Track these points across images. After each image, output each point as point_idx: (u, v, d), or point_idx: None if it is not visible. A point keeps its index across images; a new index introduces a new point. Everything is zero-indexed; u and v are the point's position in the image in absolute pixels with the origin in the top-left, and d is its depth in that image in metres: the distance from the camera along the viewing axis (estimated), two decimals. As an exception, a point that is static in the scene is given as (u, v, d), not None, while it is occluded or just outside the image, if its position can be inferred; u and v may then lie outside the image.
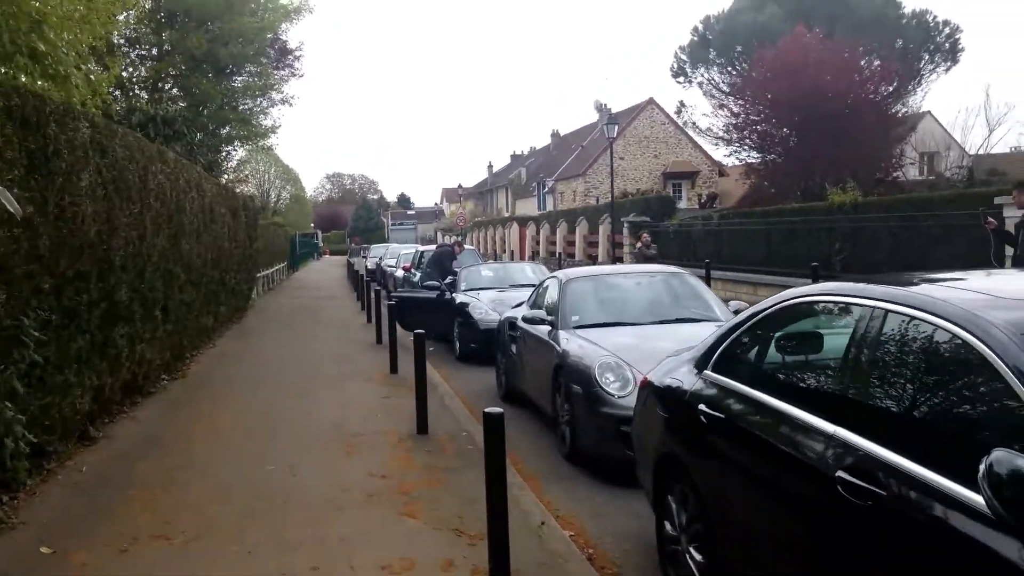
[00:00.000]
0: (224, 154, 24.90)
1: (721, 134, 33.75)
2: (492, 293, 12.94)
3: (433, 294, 13.61)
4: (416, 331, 7.82)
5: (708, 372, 3.98)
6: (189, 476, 6.18)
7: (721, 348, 3.99)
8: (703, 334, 4.55)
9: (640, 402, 4.71)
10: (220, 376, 10.59)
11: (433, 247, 21.10)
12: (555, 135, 68.21)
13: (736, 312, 4.91)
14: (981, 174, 20.30)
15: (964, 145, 25.15)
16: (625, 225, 25.62)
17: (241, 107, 23.73)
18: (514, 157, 79.38)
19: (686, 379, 4.13)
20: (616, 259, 25.58)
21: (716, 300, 7.86)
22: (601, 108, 58.83)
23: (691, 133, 40.43)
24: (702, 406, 3.80)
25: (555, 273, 8.86)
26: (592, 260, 29.29)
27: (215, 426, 7.82)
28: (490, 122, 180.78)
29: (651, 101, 51.75)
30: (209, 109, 22.89)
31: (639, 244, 15.32)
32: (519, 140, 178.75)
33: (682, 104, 34.33)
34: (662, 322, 7.34)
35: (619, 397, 6.08)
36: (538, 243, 37.42)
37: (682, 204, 42.93)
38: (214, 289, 12.75)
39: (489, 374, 10.93)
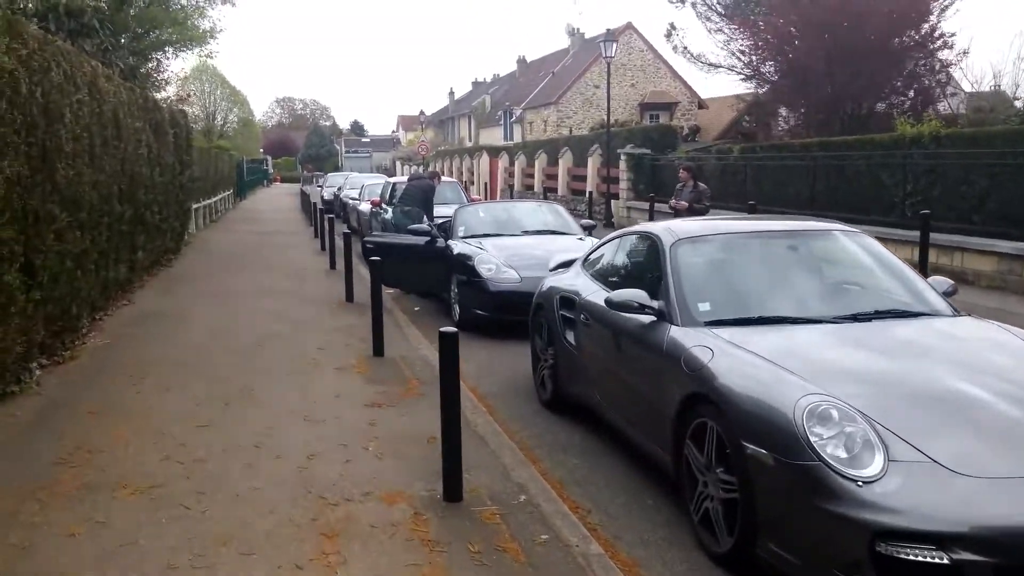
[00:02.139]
0: (154, 63, 21.00)
1: (717, 60, 30.54)
2: (502, 241, 9.85)
3: (421, 240, 10.46)
4: (396, 287, 5.35)
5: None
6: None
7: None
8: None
9: None
10: (126, 359, 7.39)
11: (404, 179, 17.80)
12: (521, 61, 64.37)
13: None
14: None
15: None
16: (623, 157, 22.49)
17: (173, 6, 19.80)
18: (476, 84, 75.37)
19: None
20: (611, 195, 22.52)
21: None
22: (573, 32, 55.18)
23: (682, 60, 36.96)
24: None
25: (641, 229, 5.77)
26: (579, 196, 26.19)
27: (91, 478, 4.71)
28: (451, 47, 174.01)
29: (629, 26, 48.20)
30: (135, 7, 18.95)
31: (680, 186, 12.03)
32: (482, 66, 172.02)
33: (672, 27, 30.54)
34: (859, 318, 4.36)
35: (864, 481, 3.14)
36: (512, 175, 34.11)
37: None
38: (125, 230, 9.43)
39: (508, 353, 7.94)
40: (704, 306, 4.53)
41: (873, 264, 4.96)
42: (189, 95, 49.28)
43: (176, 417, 5.65)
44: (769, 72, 25.09)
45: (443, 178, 13.74)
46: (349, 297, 10.71)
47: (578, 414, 5.93)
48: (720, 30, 31.56)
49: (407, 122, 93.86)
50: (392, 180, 18.13)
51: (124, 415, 5.69)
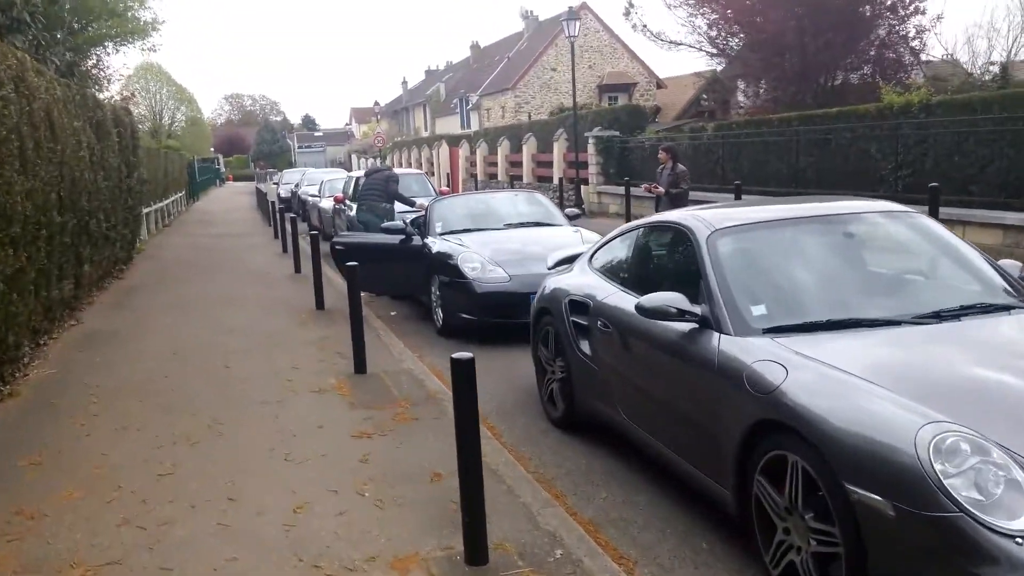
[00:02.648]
0: (94, 60, 19.80)
1: (679, 37, 29.95)
2: (484, 237, 9.09)
3: (395, 239, 9.66)
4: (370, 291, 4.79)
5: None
6: None
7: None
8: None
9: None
10: (75, 392, 6.53)
11: (359, 173, 16.95)
12: (475, 47, 63.39)
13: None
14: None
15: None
16: (591, 140, 21.79)
17: (112, -3, 18.59)
18: (429, 73, 74.38)
19: None
20: (581, 181, 21.82)
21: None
22: (527, 16, 54.35)
23: (642, 38, 36.34)
24: None
25: (663, 219, 5.05)
26: (544, 182, 25.47)
27: (33, 555, 3.89)
28: (401, 36, 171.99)
29: (584, 6, 47.38)
30: None
31: (661, 168, 11.41)
32: (435, 54, 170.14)
33: (630, 4, 29.89)
34: (941, 317, 3.71)
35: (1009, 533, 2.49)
36: (474, 165, 33.28)
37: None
38: (68, 242, 8.50)
39: (503, 362, 7.22)
40: (758, 309, 3.84)
41: (940, 249, 4.32)
42: (134, 94, 47.60)
43: (135, 464, 4.84)
44: (734, 47, 24.50)
45: (409, 170, 12.85)
46: (319, 304, 9.89)
47: (595, 432, 5.24)
48: (680, 5, 31.07)
49: (360, 114, 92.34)
50: (354, 175, 17.23)
51: (73, 466, 4.86)
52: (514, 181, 28.40)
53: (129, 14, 19.25)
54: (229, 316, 9.54)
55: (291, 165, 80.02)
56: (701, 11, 27.15)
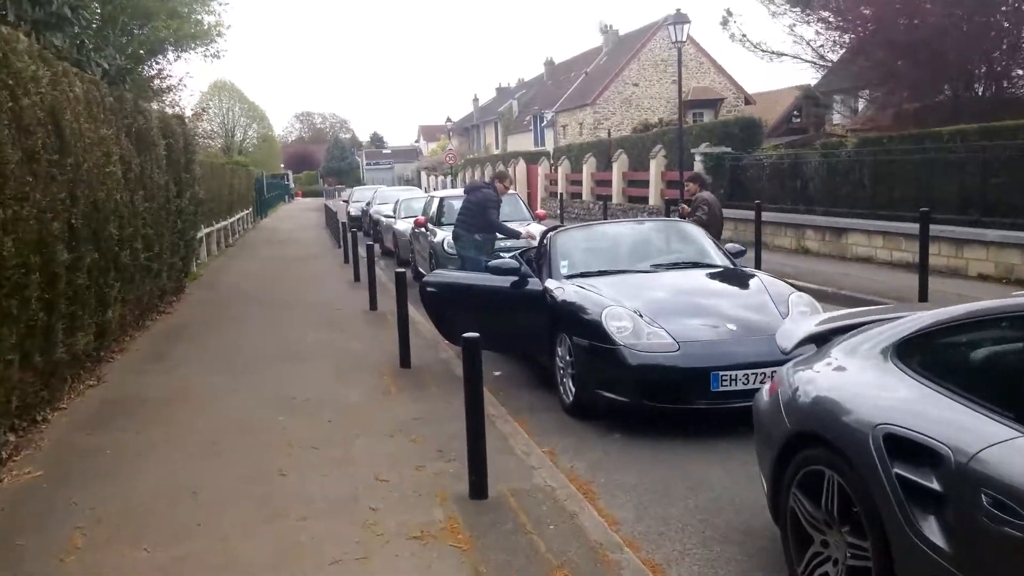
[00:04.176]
0: (156, 69, 18.14)
1: (782, 49, 27.35)
2: (628, 282, 6.73)
3: (505, 281, 7.38)
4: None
5: None
6: None
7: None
8: None
9: None
10: (55, 515, 4.38)
11: (454, 192, 14.81)
12: (549, 63, 61.53)
13: None
14: None
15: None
16: (698, 157, 19.32)
17: (171, -2, 16.87)
18: (501, 90, 72.71)
19: None
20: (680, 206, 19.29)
21: None
22: (607, 30, 52.13)
23: (738, 50, 33.62)
24: None
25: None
26: (636, 203, 23.03)
27: None
28: (469, 55, 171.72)
29: (668, 19, 44.97)
30: (123, -1, 16.06)
31: (687, 203, 10.76)
32: (506, 72, 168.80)
33: (728, 13, 27.39)
34: None
35: None
36: (554, 182, 30.99)
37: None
38: (82, 283, 6.44)
39: (671, 464, 4.82)
40: None
41: None
42: (205, 109, 46.83)
43: None
44: (846, 56, 21.76)
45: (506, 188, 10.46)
46: (405, 360, 7.69)
47: None
48: (785, 13, 28.45)
49: (428, 132, 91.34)
50: (438, 194, 15.10)
51: None
52: (599, 201, 26.05)
53: (192, 17, 17.59)
54: (290, 378, 7.38)
55: (359, 182, 79.32)
56: (812, 16, 24.58)
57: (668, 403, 5.72)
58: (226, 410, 6.37)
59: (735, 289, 6.60)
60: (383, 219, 20.03)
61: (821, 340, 3.91)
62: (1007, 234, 11.25)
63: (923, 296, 9.27)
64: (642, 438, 5.72)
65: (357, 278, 14.15)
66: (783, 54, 28.23)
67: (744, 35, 30.55)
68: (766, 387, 3.96)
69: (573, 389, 6.33)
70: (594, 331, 6.03)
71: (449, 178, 52.56)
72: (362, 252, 15.50)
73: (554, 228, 8.37)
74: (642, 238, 7.84)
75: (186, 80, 30.06)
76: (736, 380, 5.58)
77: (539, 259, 8.11)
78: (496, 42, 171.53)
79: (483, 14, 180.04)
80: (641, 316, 5.99)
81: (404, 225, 16.93)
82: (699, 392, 5.63)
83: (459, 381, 7.19)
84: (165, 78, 18.15)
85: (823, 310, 6.17)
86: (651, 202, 22.32)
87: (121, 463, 5.21)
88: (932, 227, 12.52)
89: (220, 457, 5.31)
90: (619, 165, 25.05)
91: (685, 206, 10.69)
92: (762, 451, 3.81)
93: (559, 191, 29.70)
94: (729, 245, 7.80)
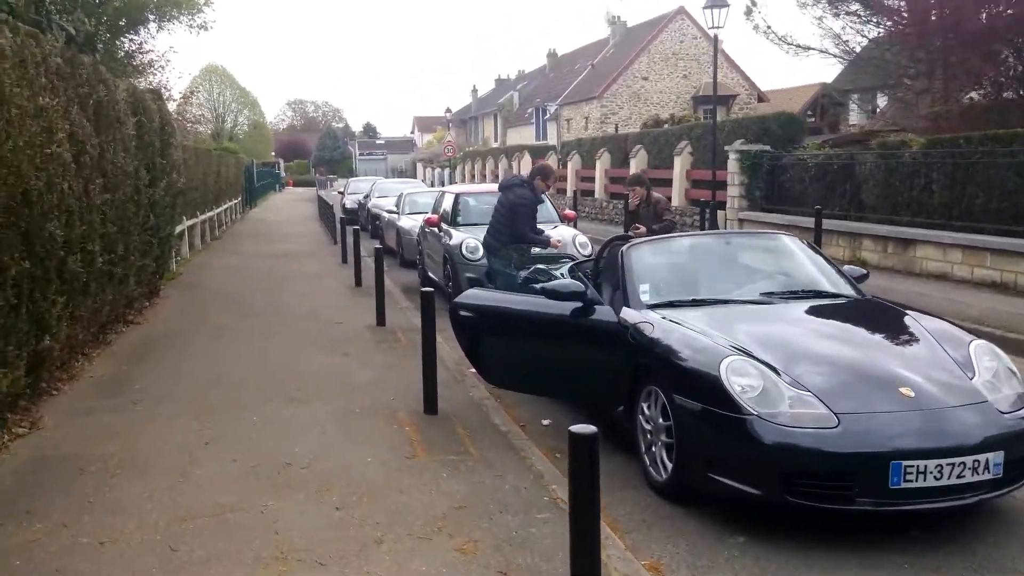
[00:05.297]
0: (137, 43, 16.31)
1: (809, 43, 25.79)
2: (745, 316, 5.02)
3: (563, 308, 5.66)
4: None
5: None
6: None
7: None
8: None
9: None
10: None
11: (469, 187, 13.09)
12: (552, 55, 59.83)
13: None
14: None
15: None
16: (732, 156, 17.62)
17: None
18: (500, 82, 71.06)
19: None
20: (717, 205, 17.59)
21: None
22: (614, 21, 50.37)
23: (769, 41, 31.82)
24: None
25: None
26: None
27: None
28: (467, 45, 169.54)
29: (681, 11, 43.47)
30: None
31: (635, 201, 8.64)
32: (504, 63, 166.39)
33: (752, 2, 25.73)
34: None
35: None
36: (563, 178, 29.26)
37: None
38: (4, 305, 4.70)
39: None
40: None
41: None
42: (193, 92, 44.89)
43: None
44: (875, 45, 20.15)
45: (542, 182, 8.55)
46: (430, 405, 5.98)
47: None
48: (814, 4, 26.86)
49: (423, 123, 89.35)
50: (453, 189, 13.34)
51: None
52: (613, 199, 24.39)
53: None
54: (282, 428, 5.66)
55: (352, 172, 77.47)
56: (842, 8, 23.00)
57: (821, 502, 4.03)
58: (193, 485, 4.64)
59: (888, 332, 4.90)
60: (384, 214, 18.28)
61: None
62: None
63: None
64: (780, 544, 4.05)
65: (359, 283, 12.42)
66: (810, 48, 26.63)
67: (769, 27, 28.94)
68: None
69: (669, 465, 4.63)
70: (708, 390, 4.34)
71: (447, 171, 50.75)
72: (363, 251, 13.78)
73: (618, 240, 6.66)
74: (736, 255, 6.13)
75: (170, 55, 28.04)
76: (927, 473, 3.90)
77: (597, 277, 6.43)
78: (495, 32, 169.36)
79: (482, 2, 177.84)
80: (777, 372, 4.30)
81: (409, 223, 15.21)
82: (870, 488, 3.95)
83: (503, 436, 5.54)
84: (147, 52, 16.31)
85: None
86: (675, 203, 20.63)
87: (30, 586, 3.49)
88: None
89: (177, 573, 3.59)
90: (637, 162, 23.34)
91: (641, 227, 8.23)
92: None
93: (568, 188, 27.98)
94: (848, 267, 6.10)
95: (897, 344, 4.75)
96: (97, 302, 7.23)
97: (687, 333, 4.79)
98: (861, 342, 4.71)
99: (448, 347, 7.51)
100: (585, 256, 9.70)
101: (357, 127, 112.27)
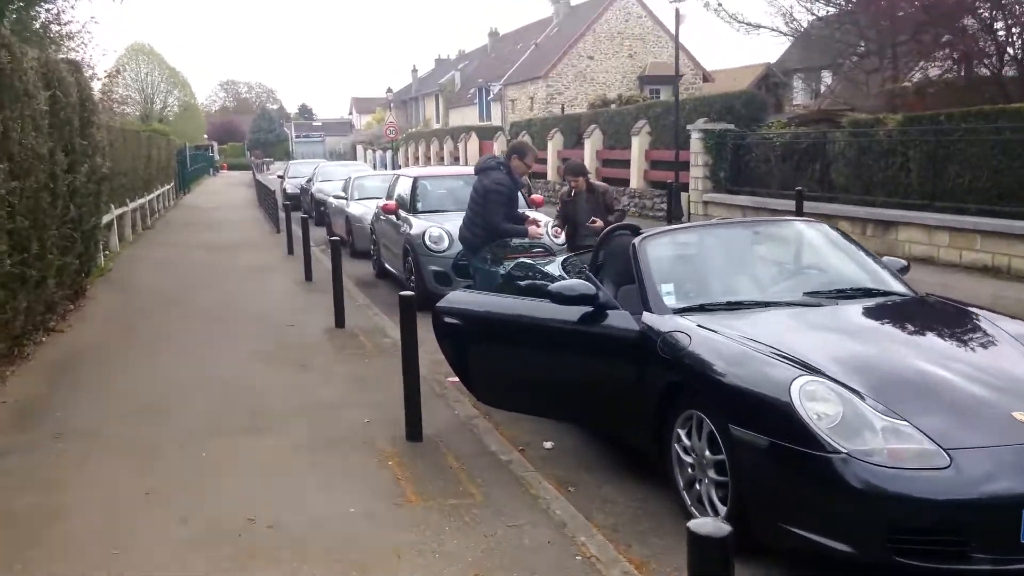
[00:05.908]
0: (55, 13, 14.84)
1: (758, 20, 25.30)
2: (797, 322, 4.21)
3: (571, 314, 4.76)
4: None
5: None
6: None
7: None
8: None
9: None
10: None
11: (428, 171, 12.09)
12: (494, 34, 58.78)
13: None
14: None
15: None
16: (695, 135, 16.92)
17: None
18: (440, 62, 69.68)
19: None
20: (680, 187, 16.90)
21: None
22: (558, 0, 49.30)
23: (720, 18, 31.22)
24: None
25: None
26: (615, 185, 20.59)
27: None
28: (405, 24, 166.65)
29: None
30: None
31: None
32: (444, 43, 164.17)
33: (703, -22, 25.22)
34: None
35: None
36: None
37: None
38: None
39: None
40: None
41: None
42: (119, 71, 42.57)
43: None
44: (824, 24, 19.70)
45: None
46: (413, 430, 5.06)
47: None
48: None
49: (361, 104, 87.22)
50: (409, 173, 12.26)
51: None
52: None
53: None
54: (238, 466, 4.67)
55: (288, 155, 75.36)
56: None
57: (929, 561, 3.24)
58: (132, 564, 3.64)
59: (970, 340, 4.15)
60: (331, 200, 17.11)
61: None
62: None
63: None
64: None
65: (309, 277, 11.36)
66: (760, 26, 26.33)
67: (720, 3, 28.51)
68: None
69: (721, 508, 3.81)
70: (775, 419, 3.51)
71: (389, 153, 49.30)
72: (311, 240, 12.70)
73: (621, 230, 5.81)
74: (765, 248, 5.33)
75: (91, 26, 26.09)
76: (1067, 525, 3.14)
77: (596, 274, 5.54)
78: (434, 10, 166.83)
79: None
80: (861, 396, 3.49)
81: (360, 209, 14.15)
82: (991, 542, 3.18)
83: (504, 468, 4.64)
84: (65, 24, 14.85)
85: None
86: (632, 184, 19.91)
87: None
88: (1017, 223, 10.46)
89: None
90: (592, 142, 22.54)
91: (597, 220, 7.43)
92: None
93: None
94: (888, 259, 5.34)
95: (986, 355, 3.98)
96: (7, 311, 6.10)
97: (735, 346, 3.96)
98: (944, 354, 3.92)
99: (420, 349, 6.58)
100: (559, 245, 8.86)
101: (292, 108, 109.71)
